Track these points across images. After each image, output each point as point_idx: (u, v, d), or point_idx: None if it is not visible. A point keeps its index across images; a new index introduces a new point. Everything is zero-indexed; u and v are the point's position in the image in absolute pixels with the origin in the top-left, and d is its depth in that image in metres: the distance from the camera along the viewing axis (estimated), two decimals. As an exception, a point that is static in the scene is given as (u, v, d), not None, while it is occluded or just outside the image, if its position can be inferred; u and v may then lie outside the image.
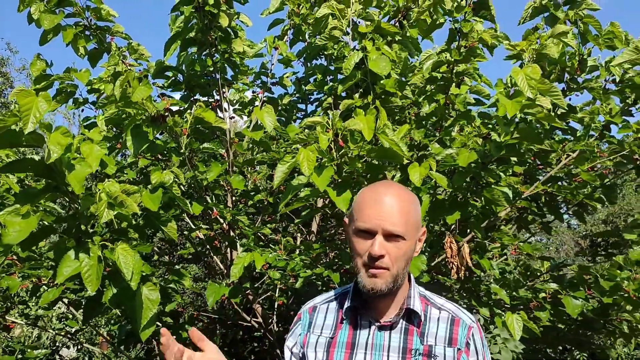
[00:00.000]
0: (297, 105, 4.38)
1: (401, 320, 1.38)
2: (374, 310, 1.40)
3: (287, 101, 4.21)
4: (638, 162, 2.58)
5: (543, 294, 2.88)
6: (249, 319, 3.45)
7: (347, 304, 1.42)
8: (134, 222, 2.27)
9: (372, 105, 2.32)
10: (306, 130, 2.44)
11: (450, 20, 2.57)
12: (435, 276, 2.71)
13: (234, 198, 3.40)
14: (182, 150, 2.58)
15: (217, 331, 4.92)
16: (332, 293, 1.53)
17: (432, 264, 2.85)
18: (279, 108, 4.21)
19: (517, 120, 2.51)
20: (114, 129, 3.14)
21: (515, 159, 2.97)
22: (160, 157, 3.18)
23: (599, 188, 3.05)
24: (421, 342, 1.35)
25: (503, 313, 2.74)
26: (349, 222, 1.39)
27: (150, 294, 2.16)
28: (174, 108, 2.86)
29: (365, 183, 2.51)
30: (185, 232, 3.35)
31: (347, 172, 2.35)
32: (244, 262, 2.84)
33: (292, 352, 1.46)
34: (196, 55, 3.47)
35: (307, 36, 3.89)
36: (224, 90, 3.54)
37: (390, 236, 1.29)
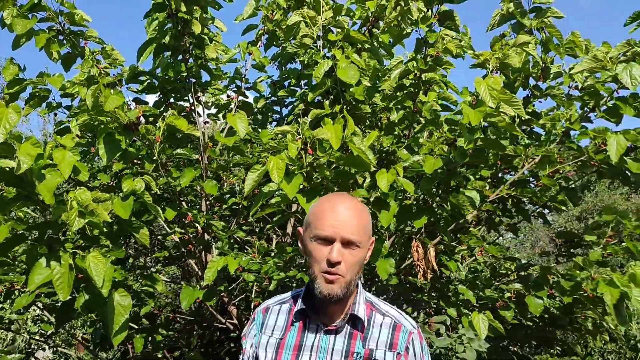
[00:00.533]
0: (272, 107, 4.44)
1: (346, 325, 1.46)
2: (323, 315, 1.47)
3: (262, 104, 4.26)
4: (596, 167, 2.69)
5: (508, 294, 2.98)
6: (224, 320, 3.50)
7: (297, 307, 1.48)
8: (105, 230, 2.30)
9: (340, 114, 2.38)
10: (278, 136, 2.50)
11: (416, 31, 2.64)
12: (405, 278, 2.79)
13: (208, 202, 3.44)
14: (155, 158, 2.61)
15: (194, 332, 4.96)
16: (285, 295, 1.60)
17: (402, 266, 2.93)
18: (254, 111, 4.26)
19: (483, 126, 2.60)
20: (87, 134, 3.16)
21: (481, 164, 3.06)
22: (134, 161, 3.21)
23: (562, 191, 3.15)
24: (363, 345, 1.43)
25: (470, 313, 2.84)
26: (304, 231, 1.47)
27: (122, 300, 2.20)
28: (147, 113, 2.89)
29: (336, 189, 2.58)
30: (160, 237, 3.38)
31: (316, 179, 2.41)
32: (217, 265, 2.89)
33: (249, 352, 1.54)
34: (171, 60, 3.50)
35: (280, 41, 3.94)
36: (198, 94, 3.58)
37: (347, 244, 1.38)
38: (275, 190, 2.33)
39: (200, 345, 4.94)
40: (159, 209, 2.39)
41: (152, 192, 2.81)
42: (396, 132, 2.94)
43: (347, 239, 1.37)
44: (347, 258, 1.38)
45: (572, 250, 3.22)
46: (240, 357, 1.56)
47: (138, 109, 2.53)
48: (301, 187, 2.34)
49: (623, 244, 2.98)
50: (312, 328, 1.47)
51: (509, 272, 3.50)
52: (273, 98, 4.33)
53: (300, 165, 2.34)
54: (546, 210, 3.60)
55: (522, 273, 3.43)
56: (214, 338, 4.81)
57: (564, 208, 3.56)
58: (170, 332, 4.67)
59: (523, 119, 2.91)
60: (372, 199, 2.61)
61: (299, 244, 1.51)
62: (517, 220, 3.79)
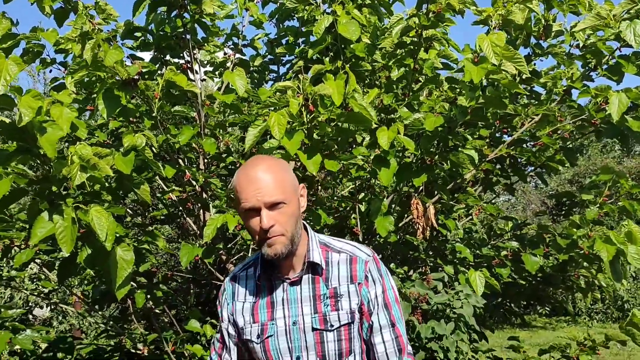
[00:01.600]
0: (269, 67, 4.38)
1: (307, 272, 1.52)
2: (284, 270, 1.54)
3: (259, 63, 4.21)
4: (595, 127, 2.69)
5: (505, 252, 3.02)
6: (222, 278, 3.53)
7: (258, 272, 1.56)
8: (106, 185, 2.29)
9: (341, 70, 2.35)
10: (277, 93, 2.48)
11: (419, -15, 2.60)
12: (404, 236, 2.82)
13: (206, 160, 3.43)
14: (154, 114, 2.59)
15: (191, 290, 5.02)
16: (249, 259, 1.67)
17: (400, 224, 2.95)
18: (251, 69, 4.20)
19: (483, 86, 2.58)
20: (83, 90, 3.11)
21: (481, 122, 3.06)
22: (131, 120, 3.18)
23: (560, 151, 3.16)
24: (327, 286, 1.50)
25: (467, 270, 2.88)
26: (235, 206, 1.54)
27: (125, 255, 2.21)
28: (144, 69, 2.85)
29: (336, 147, 2.57)
30: (158, 195, 3.38)
31: (317, 136, 2.41)
32: (216, 223, 2.90)
33: (227, 321, 1.61)
34: (165, 15, 3.43)
35: (278, -3, 3.87)
36: (194, 51, 3.52)
37: (272, 206, 1.41)
38: (275, 147, 2.33)
39: (197, 303, 5.01)
40: (159, 165, 2.38)
41: (151, 148, 2.80)
42: (396, 91, 2.92)
43: (270, 203, 1.40)
44: (279, 218, 1.42)
45: (570, 210, 3.25)
46: (219, 325, 1.64)
47: (137, 64, 2.49)
48: (302, 143, 2.33)
49: (619, 203, 3.02)
50: (278, 284, 1.54)
51: (505, 232, 3.54)
52: (270, 57, 4.28)
53: (301, 122, 2.32)
54: (542, 171, 3.62)
55: (518, 232, 3.47)
56: (211, 296, 4.87)
57: (560, 168, 3.58)
58: (168, 290, 4.73)
59: (524, 77, 2.90)
60: (371, 157, 2.61)
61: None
62: (512, 181, 3.82)
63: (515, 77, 2.59)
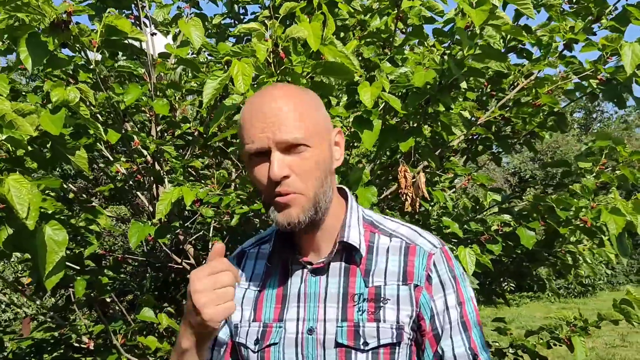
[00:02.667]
0: (228, 28, 3.95)
1: (338, 259, 1.10)
2: (305, 250, 1.12)
3: (218, 22, 3.78)
4: (603, 83, 2.40)
5: (495, 227, 2.73)
6: (179, 260, 3.15)
7: (269, 248, 1.17)
8: (31, 149, 1.88)
9: (318, 10, 1.98)
10: (246, 39, 2.09)
11: None
12: (385, 209, 2.48)
13: (159, 128, 3.01)
14: (92, 67, 2.16)
15: (147, 274, 4.60)
16: (266, 232, 1.25)
17: (381, 196, 2.62)
18: (208, 29, 3.77)
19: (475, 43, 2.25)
20: (5, 39, 2.64)
21: (464, 85, 2.74)
22: (70, 79, 2.73)
23: (552, 115, 2.88)
24: (366, 283, 1.06)
25: (455, 247, 2.57)
26: (240, 153, 1.16)
27: (56, 234, 1.80)
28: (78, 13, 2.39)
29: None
30: (102, 165, 2.95)
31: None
32: (171, 197, 2.51)
33: None
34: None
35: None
36: (143, 4, 3.07)
37: (288, 148, 1.01)
38: (238, 103, 1.94)
39: (155, 288, 4.60)
40: (99, 126, 1.97)
41: (93, 111, 2.37)
42: (378, 42, 2.56)
43: (285, 142, 1.00)
44: (297, 166, 1.01)
45: (562, 181, 2.98)
46: None
47: (68, 3, 2.06)
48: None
49: (617, 171, 2.76)
50: (296, 270, 1.12)
51: (490, 206, 3.26)
52: (229, 16, 3.86)
53: (270, 73, 1.94)
54: (532, 139, 3.33)
55: (504, 206, 3.19)
56: (169, 280, 4.46)
57: (547, 137, 3.31)
58: (122, 275, 4.30)
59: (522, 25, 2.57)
60: (351, 119, 2.26)
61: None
62: (497, 151, 3.54)
63: (515, 25, 2.26)
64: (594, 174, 2.76)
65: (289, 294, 1.10)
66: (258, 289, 1.14)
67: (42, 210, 1.80)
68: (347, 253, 1.09)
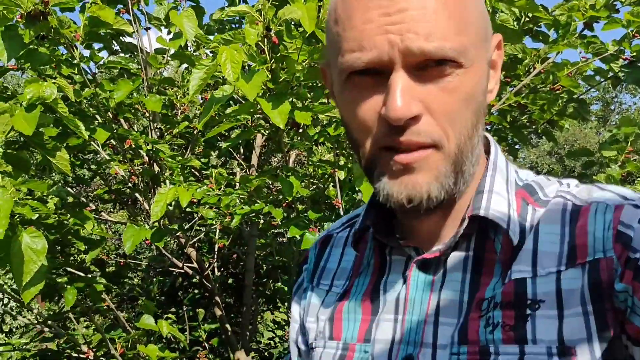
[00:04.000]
0: (231, 24, 3.81)
1: (465, 244, 0.66)
2: (408, 233, 0.71)
3: (218, 16, 3.64)
4: (631, 63, 2.21)
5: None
6: (180, 265, 3.01)
7: (358, 225, 0.74)
8: (7, 150, 1.74)
9: (313, -10, 1.82)
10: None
11: None
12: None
13: (155, 126, 2.87)
14: (75, 62, 2.02)
15: (154, 278, 4.48)
16: (359, 209, 0.83)
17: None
18: (210, 25, 3.63)
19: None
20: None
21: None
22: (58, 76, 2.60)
23: (572, 102, 2.69)
24: (502, 279, 0.62)
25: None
26: (328, 68, 0.69)
27: (34, 242, 1.66)
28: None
29: (309, 95, 2.05)
30: (94, 167, 2.82)
31: (284, 78, 1.88)
32: (166, 198, 2.36)
33: (298, 323, 0.84)
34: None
35: None
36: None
37: (423, 66, 0.58)
38: (230, 94, 1.79)
39: (162, 293, 4.48)
40: (80, 124, 1.83)
41: (79, 109, 2.24)
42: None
43: (421, 53, 0.56)
44: (435, 100, 0.58)
45: (584, 171, 2.79)
46: (289, 330, 0.87)
47: (45, -9, 1.92)
48: (264, 88, 1.81)
49: (644, 160, 2.56)
50: (398, 262, 0.71)
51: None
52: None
53: (263, 60, 1.79)
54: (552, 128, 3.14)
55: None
56: (176, 284, 4.34)
57: (566, 126, 3.10)
58: (127, 281, 4.18)
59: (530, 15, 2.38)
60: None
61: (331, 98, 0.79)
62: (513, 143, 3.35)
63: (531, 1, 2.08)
64: (619, 164, 2.56)
65: (383, 300, 0.70)
66: (342, 290, 0.76)
67: (18, 216, 1.67)
68: (480, 236, 0.66)
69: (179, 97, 3.33)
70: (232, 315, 4.22)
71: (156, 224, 2.54)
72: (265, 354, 4.05)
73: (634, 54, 2.18)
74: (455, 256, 0.66)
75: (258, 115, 2.02)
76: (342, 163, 2.48)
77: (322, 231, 2.06)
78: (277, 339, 4.13)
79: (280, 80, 1.85)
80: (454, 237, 0.65)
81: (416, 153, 0.58)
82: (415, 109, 0.57)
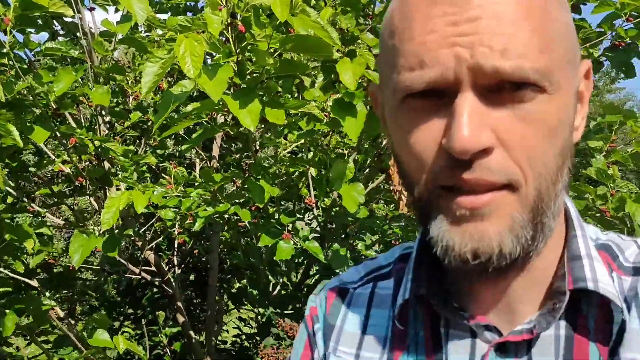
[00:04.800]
0: (186, 3, 3.50)
1: (552, 320, 0.52)
2: (470, 302, 0.57)
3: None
4: (624, 48, 2.06)
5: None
6: (137, 270, 2.75)
7: (405, 293, 0.59)
8: None
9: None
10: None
11: None
12: (371, 206, 2.13)
13: (105, 120, 2.58)
14: (5, 50, 1.73)
15: (109, 277, 4.18)
16: (384, 257, 0.69)
17: (366, 191, 2.26)
18: (161, 1, 3.32)
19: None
20: None
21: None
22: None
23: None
24: None
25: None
26: (379, 90, 0.57)
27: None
28: None
29: (280, 89, 1.82)
30: (32, 169, 2.52)
31: (252, 72, 1.64)
32: (119, 204, 2.10)
33: None
34: None
35: None
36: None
37: (497, 89, 0.46)
38: (189, 90, 1.54)
39: (117, 293, 4.19)
40: (12, 128, 1.55)
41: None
42: (356, 11, 2.16)
43: (496, 72, 0.44)
44: (511, 130, 0.46)
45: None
46: None
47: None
48: (230, 85, 1.57)
49: (630, 149, 2.45)
50: (459, 340, 0.56)
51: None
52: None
53: (228, 52, 1.54)
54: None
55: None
56: (133, 282, 4.05)
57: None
58: (77, 282, 3.88)
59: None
60: (329, 103, 1.88)
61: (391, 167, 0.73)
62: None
63: None
64: (604, 153, 2.44)
65: None
66: None
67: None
68: (571, 310, 0.53)
69: (129, 82, 3.04)
70: (195, 312, 3.99)
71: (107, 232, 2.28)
72: (232, 352, 3.85)
73: (627, 38, 2.03)
74: (544, 338, 0.53)
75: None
76: (312, 157, 2.27)
77: (298, 239, 1.82)
78: (243, 337, 3.92)
79: (248, 74, 1.61)
80: (545, 313, 0.52)
81: (485, 195, 0.47)
82: (487, 139, 0.45)
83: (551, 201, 0.49)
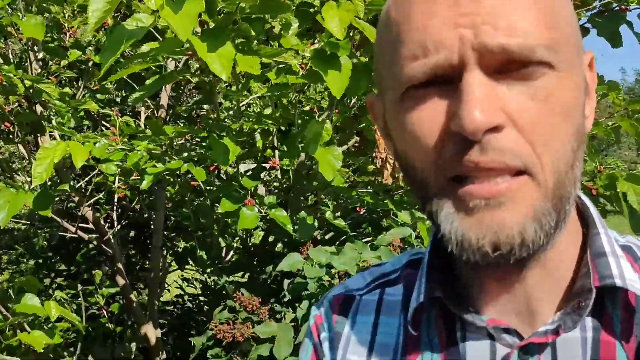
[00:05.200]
0: None
1: (583, 317, 0.49)
2: (484, 303, 0.53)
3: None
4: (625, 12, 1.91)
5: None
6: (74, 229, 2.46)
7: (419, 297, 0.55)
8: None
9: None
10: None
11: None
12: (351, 176, 1.93)
13: (37, 54, 2.23)
14: None
15: (39, 230, 3.83)
16: (387, 265, 0.66)
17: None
18: None
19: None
20: None
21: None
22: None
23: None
24: None
25: (426, 218, 2.08)
26: (379, 94, 0.54)
27: None
28: None
29: (253, 34, 1.55)
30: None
31: (224, 11, 1.37)
32: (53, 156, 1.81)
33: None
34: None
35: None
36: None
37: (504, 68, 0.43)
38: (147, 26, 1.26)
39: (49, 247, 3.86)
40: None
41: None
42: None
43: (502, 49, 0.42)
44: (523, 107, 0.43)
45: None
46: None
47: None
48: (199, 24, 1.30)
49: (611, 123, 2.35)
50: (475, 342, 0.53)
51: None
52: None
53: (197, -19, 1.26)
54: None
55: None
56: (66, 237, 3.72)
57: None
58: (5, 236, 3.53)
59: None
60: (308, 54, 1.63)
61: (378, 133, 0.56)
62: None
63: None
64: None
65: None
66: None
67: None
68: (596, 309, 0.50)
69: (67, 16, 2.66)
70: (135, 272, 3.73)
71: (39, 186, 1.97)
72: (174, 315, 3.64)
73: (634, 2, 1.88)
74: (569, 339, 0.50)
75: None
76: (277, 115, 2.03)
77: (264, 206, 1.60)
78: (186, 297, 3.71)
79: (219, 10, 1.34)
80: (570, 312, 0.50)
81: (502, 184, 0.43)
82: (498, 116, 0.42)
83: (572, 186, 0.46)
